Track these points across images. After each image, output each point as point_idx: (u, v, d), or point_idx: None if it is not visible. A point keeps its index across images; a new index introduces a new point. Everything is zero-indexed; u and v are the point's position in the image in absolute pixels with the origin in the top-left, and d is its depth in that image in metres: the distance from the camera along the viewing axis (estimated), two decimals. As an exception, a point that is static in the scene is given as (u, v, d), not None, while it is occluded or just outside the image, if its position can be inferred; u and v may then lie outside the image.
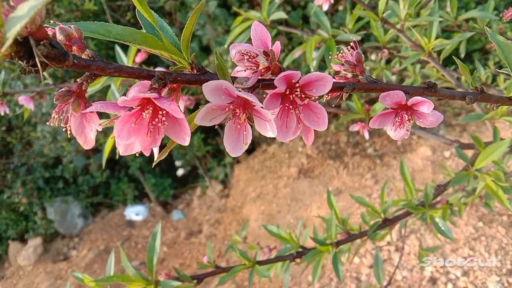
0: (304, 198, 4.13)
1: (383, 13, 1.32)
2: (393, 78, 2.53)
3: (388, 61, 2.63)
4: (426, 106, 0.54)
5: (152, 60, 4.11)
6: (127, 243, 4.43)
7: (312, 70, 1.49)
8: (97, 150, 4.70)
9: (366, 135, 1.44)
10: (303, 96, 0.47)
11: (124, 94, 1.34)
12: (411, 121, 0.56)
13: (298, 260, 1.30)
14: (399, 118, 0.56)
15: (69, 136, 0.44)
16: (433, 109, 0.55)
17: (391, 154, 4.33)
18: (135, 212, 4.86)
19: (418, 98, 0.53)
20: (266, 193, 4.43)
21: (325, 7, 1.40)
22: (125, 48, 1.54)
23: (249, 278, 1.23)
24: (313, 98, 0.48)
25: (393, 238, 2.67)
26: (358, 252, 1.38)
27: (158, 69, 1.52)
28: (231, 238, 4.05)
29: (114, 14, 4.47)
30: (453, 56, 0.84)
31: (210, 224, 4.44)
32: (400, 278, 2.91)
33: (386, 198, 1.54)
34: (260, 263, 1.26)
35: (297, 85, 0.47)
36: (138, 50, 1.47)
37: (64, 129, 0.44)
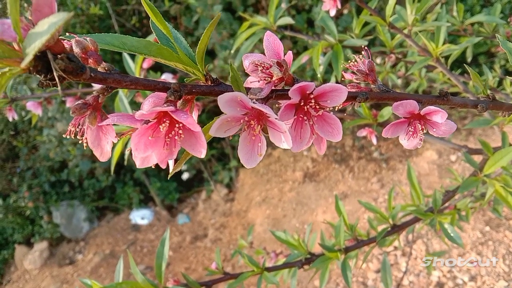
0: (309, 202, 4.12)
1: (390, 17, 1.31)
2: (399, 81, 2.52)
3: (393, 64, 2.63)
4: (439, 116, 0.53)
5: (157, 64, 4.13)
6: (132, 247, 4.43)
7: (319, 75, 1.49)
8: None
9: (374, 141, 1.44)
10: (317, 107, 0.47)
11: (132, 99, 1.34)
12: (424, 131, 0.56)
13: (306, 266, 1.29)
14: (412, 127, 0.56)
15: (84, 147, 0.44)
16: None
17: (397, 158, 4.31)
18: (140, 216, 4.87)
19: (432, 107, 0.53)
20: (272, 197, 4.42)
21: (332, 13, 1.40)
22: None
23: (258, 284, 1.23)
24: (327, 109, 0.48)
25: (401, 244, 2.67)
26: (367, 258, 1.38)
27: (165, 75, 1.52)
28: (236, 242, 4.04)
29: (120, 18, 4.50)
30: (464, 65, 0.84)
31: (215, 228, 4.43)
32: (407, 283, 2.90)
33: (392, 203, 1.54)
34: (269, 269, 1.26)
35: (311, 96, 0.47)
36: (146, 56, 1.47)
37: (80, 142, 0.45)
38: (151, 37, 1.52)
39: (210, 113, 4.43)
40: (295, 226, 3.90)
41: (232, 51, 1.53)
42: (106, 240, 4.61)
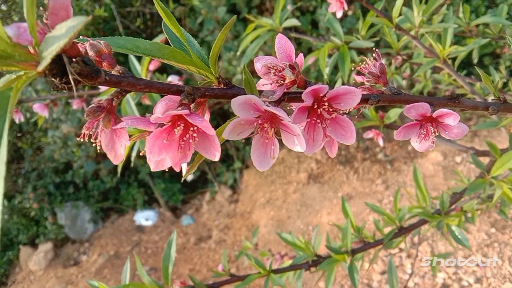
0: (314, 203, 4.11)
1: (396, 19, 1.31)
2: (404, 83, 2.51)
3: (398, 66, 2.62)
4: (452, 118, 0.53)
5: (163, 65, 4.13)
6: (136, 248, 4.44)
7: (325, 76, 1.49)
8: (106, 155, 4.71)
9: (381, 142, 1.44)
10: (330, 110, 0.47)
11: (138, 101, 1.33)
12: (436, 133, 0.56)
13: (313, 268, 1.29)
14: (424, 130, 0.55)
15: (98, 151, 0.44)
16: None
17: (401, 160, 4.30)
18: (144, 217, 4.87)
19: (444, 110, 0.53)
20: (276, 198, 4.42)
21: (339, 15, 1.40)
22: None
23: (265, 286, 1.23)
24: (340, 112, 0.47)
25: (407, 246, 2.66)
26: (374, 261, 1.37)
27: (171, 77, 1.52)
28: (240, 244, 4.04)
29: (124, 20, 4.51)
30: (474, 67, 0.84)
31: (219, 230, 4.43)
32: (412, 285, 2.89)
33: (398, 204, 1.53)
34: (275, 271, 1.26)
35: (324, 99, 0.46)
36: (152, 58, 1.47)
37: (94, 145, 0.45)
38: (158, 39, 1.52)
39: (214, 115, 4.43)
40: (300, 228, 3.89)
41: (238, 53, 1.53)
42: (111, 241, 4.62)
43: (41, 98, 1.78)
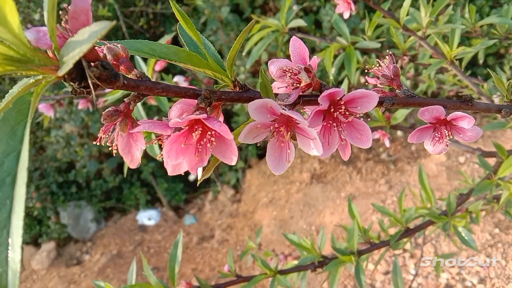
0: (317, 203, 4.11)
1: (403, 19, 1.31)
2: (407, 83, 2.51)
3: (401, 66, 2.62)
4: (466, 122, 0.53)
5: (168, 65, 4.13)
6: (139, 247, 4.44)
7: (331, 77, 1.49)
8: (109, 155, 4.73)
9: (387, 143, 1.43)
10: (347, 113, 0.47)
11: (143, 101, 1.33)
12: (450, 136, 0.55)
13: (319, 269, 1.29)
14: (438, 133, 0.55)
15: (114, 154, 0.44)
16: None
17: (405, 160, 4.29)
18: (147, 217, 4.87)
19: (458, 113, 0.53)
20: (278, 198, 4.41)
21: (346, 15, 1.40)
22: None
23: (271, 287, 1.23)
24: (357, 115, 0.47)
25: (412, 247, 2.65)
26: (379, 262, 1.37)
27: (177, 78, 1.52)
28: (243, 243, 4.04)
29: (127, 20, 4.50)
30: (481, 68, 0.83)
31: (222, 229, 4.43)
32: (415, 286, 2.88)
33: (402, 205, 1.53)
34: (282, 272, 1.26)
35: (341, 102, 0.46)
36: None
37: (110, 149, 0.45)
38: (164, 40, 1.52)
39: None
40: (303, 228, 3.89)
41: (244, 54, 1.52)
42: (113, 240, 4.62)
43: (46, 98, 1.77)
